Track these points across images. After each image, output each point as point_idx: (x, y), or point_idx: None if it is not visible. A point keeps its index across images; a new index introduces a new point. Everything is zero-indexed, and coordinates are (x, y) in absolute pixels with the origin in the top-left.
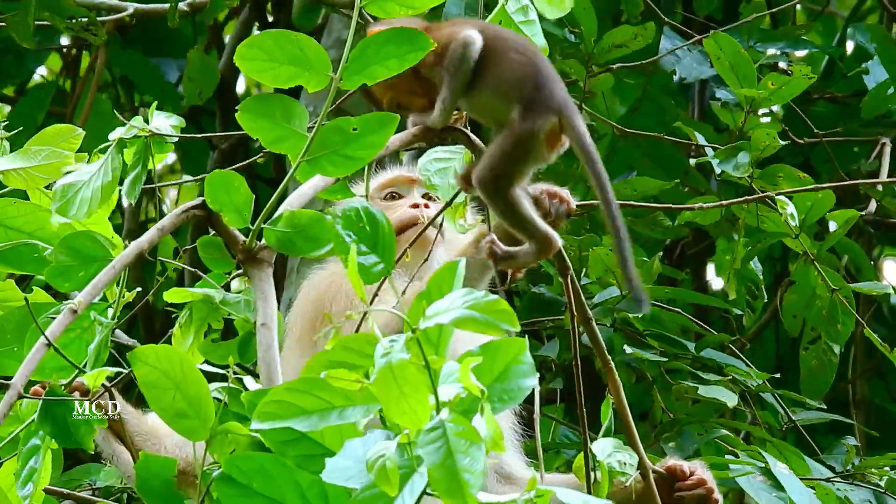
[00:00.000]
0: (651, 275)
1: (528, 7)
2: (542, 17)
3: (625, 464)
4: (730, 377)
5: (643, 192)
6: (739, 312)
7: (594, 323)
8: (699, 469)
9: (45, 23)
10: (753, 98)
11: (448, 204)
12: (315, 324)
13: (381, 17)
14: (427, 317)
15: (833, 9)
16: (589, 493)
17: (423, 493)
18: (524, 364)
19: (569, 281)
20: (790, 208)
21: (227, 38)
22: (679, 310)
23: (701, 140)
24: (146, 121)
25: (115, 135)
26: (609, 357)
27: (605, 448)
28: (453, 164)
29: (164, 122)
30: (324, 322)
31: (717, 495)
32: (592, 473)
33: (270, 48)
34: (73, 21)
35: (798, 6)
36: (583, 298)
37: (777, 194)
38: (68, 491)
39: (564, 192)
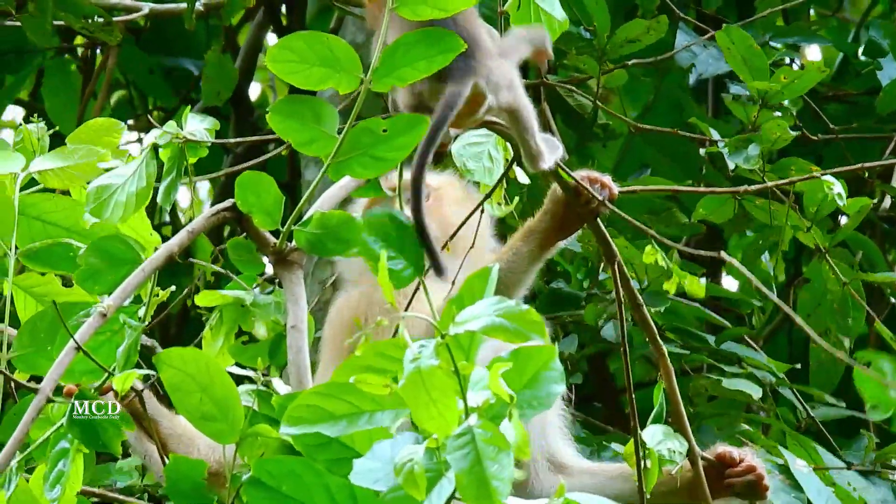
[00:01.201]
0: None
1: None
2: None
3: (674, 451)
4: (748, 371)
5: (657, 193)
6: (759, 303)
7: (645, 308)
8: (749, 455)
9: (60, 22)
10: (766, 91)
11: (490, 193)
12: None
13: (412, 20)
14: (457, 323)
15: (846, 14)
16: (639, 479)
17: (452, 497)
18: (553, 370)
19: (616, 267)
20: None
21: (239, 41)
22: (696, 304)
23: (715, 136)
24: (179, 125)
25: (149, 138)
26: (661, 343)
27: (655, 434)
28: (486, 148)
29: (199, 126)
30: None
31: (768, 482)
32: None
33: (302, 50)
34: (90, 21)
35: (811, 10)
36: (632, 284)
37: (790, 181)
38: (101, 490)
39: (606, 178)
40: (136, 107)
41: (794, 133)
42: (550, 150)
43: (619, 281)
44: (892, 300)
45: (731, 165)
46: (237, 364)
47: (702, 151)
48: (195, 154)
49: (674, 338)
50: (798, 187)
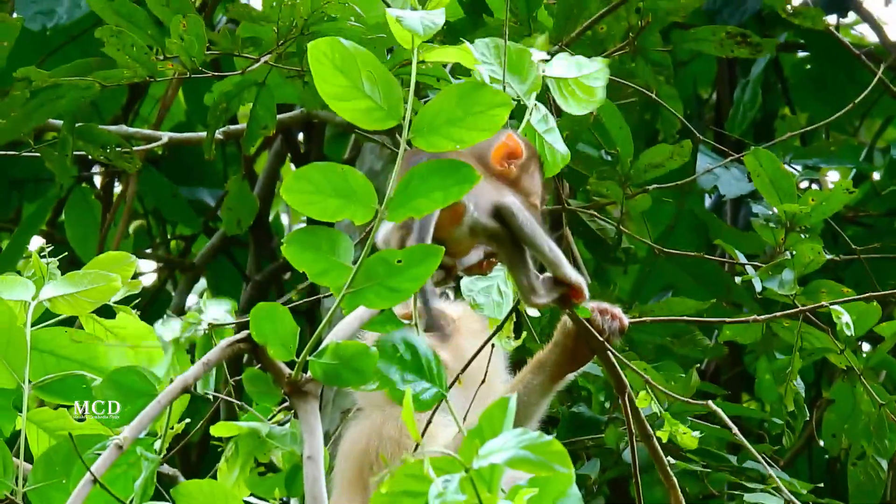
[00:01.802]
0: (689, 389)
1: (547, 116)
2: (574, 134)
3: None
4: (772, 486)
5: (681, 313)
6: (778, 421)
7: (655, 440)
8: None
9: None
10: (794, 214)
11: (501, 326)
12: (363, 474)
13: (426, 150)
14: (480, 456)
15: (861, 138)
16: None
17: None
18: (571, 497)
19: (626, 399)
20: (845, 317)
21: (256, 169)
22: (717, 425)
23: (742, 258)
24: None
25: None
26: (671, 472)
27: None
28: (496, 283)
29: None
30: (372, 472)
31: None
32: None
33: (317, 180)
34: (108, 150)
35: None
36: (642, 415)
37: (826, 305)
38: None
39: (617, 310)
40: (155, 235)
41: (827, 256)
42: (549, 289)
43: (630, 412)
44: None
45: (759, 287)
46: (253, 495)
47: (738, 280)
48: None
49: (695, 458)
50: (828, 309)
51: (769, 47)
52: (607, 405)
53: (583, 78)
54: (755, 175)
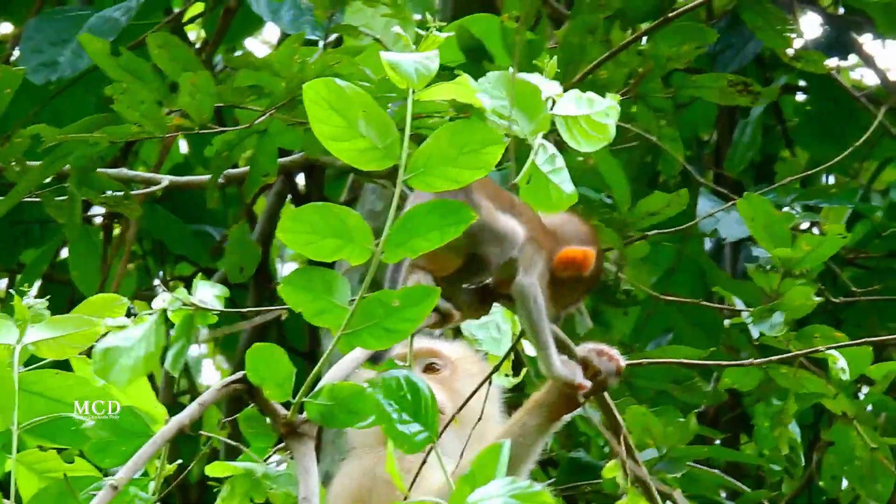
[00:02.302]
0: (687, 434)
1: (555, 156)
2: (581, 179)
3: None
4: None
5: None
6: (776, 468)
7: (650, 482)
8: None
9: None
10: (789, 259)
11: (500, 364)
12: None
13: (423, 190)
14: (469, 503)
15: (862, 180)
16: None
17: None
18: None
19: (622, 440)
20: (840, 363)
21: (256, 210)
22: (717, 470)
23: (739, 304)
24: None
25: (158, 303)
26: None
27: None
28: (495, 318)
29: (209, 294)
30: None
31: None
32: None
33: (314, 221)
34: (109, 195)
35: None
36: (637, 457)
37: (822, 350)
38: None
39: (613, 351)
40: (154, 275)
41: (817, 300)
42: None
43: (624, 454)
44: None
45: (755, 334)
46: None
47: (727, 323)
48: (205, 322)
49: None
50: (821, 354)
51: (770, 94)
52: (606, 450)
53: (594, 115)
54: (749, 220)
